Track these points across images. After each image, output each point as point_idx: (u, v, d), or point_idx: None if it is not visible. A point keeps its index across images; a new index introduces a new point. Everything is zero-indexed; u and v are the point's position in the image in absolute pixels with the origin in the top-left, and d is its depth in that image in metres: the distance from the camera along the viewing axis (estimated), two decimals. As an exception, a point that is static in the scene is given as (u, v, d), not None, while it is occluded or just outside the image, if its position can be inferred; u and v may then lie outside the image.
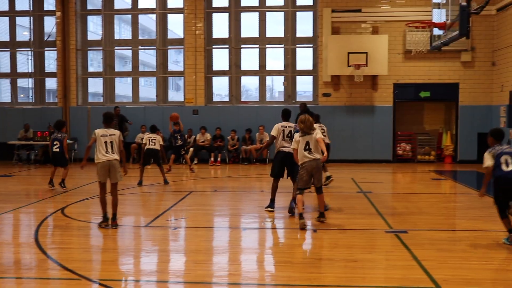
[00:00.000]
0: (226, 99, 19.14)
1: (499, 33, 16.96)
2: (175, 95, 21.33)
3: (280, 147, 9.13)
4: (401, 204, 10.18)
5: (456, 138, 17.80)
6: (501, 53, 16.81)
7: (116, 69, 19.62)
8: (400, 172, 15.78)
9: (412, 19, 16.09)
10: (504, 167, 6.67)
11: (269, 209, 9.29)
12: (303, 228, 7.79)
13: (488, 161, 6.81)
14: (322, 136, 8.16)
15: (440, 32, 12.89)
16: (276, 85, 20.29)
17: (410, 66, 17.72)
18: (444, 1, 12.20)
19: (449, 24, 12.01)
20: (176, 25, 19.33)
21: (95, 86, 19.88)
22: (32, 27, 19.47)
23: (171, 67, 20.22)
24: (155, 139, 12.75)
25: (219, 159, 17.28)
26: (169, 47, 19.20)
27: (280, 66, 18.91)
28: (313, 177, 8.12)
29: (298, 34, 18.78)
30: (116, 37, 19.51)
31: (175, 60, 23.47)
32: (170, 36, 19.26)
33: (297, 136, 8.18)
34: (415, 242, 7.07)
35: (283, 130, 9.16)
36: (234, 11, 18.63)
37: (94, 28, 22.52)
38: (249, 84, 20.46)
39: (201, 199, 10.94)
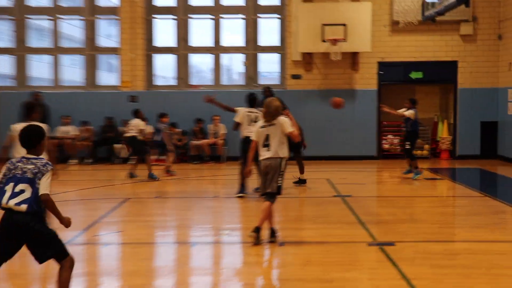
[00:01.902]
0: (173, 82, 18.98)
1: (506, -1, 17.33)
2: (108, 77, 20.99)
3: (247, 132, 10.16)
4: (388, 210, 10.27)
5: (455, 128, 18.14)
6: (509, 24, 17.18)
7: (31, 44, 19.18)
8: (386, 170, 15.95)
9: (400, -18, 16.29)
10: None
11: (240, 194, 10.60)
12: (256, 243, 7.67)
13: None
14: (290, 127, 7.91)
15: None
16: (235, 65, 20.25)
17: (398, 40, 17.94)
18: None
19: (445, -11, 12.20)
20: (107, -11, 19.11)
21: (4, 65, 19.39)
22: None
23: (102, 42, 19.88)
24: (132, 125, 14.16)
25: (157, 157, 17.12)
26: (99, 16, 18.87)
27: (239, 42, 18.84)
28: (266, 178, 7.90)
29: (261, 1, 18.75)
30: (31, 2, 19.06)
31: (107, 33, 23.07)
32: (100, 2, 18.94)
33: (257, 125, 8.13)
34: (404, 257, 7.13)
35: (248, 115, 10.39)
36: (181, -28, 18.48)
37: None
38: (201, 64, 20.36)
39: (140, 207, 10.85)
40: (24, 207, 4.82)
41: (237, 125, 11.11)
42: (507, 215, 10.01)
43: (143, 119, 14.67)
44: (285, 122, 7.91)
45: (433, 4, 13.44)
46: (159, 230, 9.08)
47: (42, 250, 4.91)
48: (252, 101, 11.11)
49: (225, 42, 18.87)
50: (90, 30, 18.80)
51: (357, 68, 18.03)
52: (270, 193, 7.83)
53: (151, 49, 18.69)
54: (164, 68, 19.39)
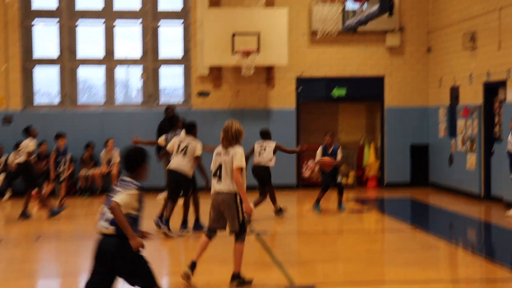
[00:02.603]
0: (56, 100, 18.56)
1: (436, 7, 18.00)
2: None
3: (170, 163, 11.07)
4: (308, 248, 10.35)
5: (382, 153, 18.61)
6: (439, 35, 17.85)
7: None
8: (307, 201, 16.09)
9: (319, -14, 16.62)
10: None
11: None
12: (186, 278, 7.90)
13: None
14: (242, 163, 7.84)
15: (356, 7, 13.38)
16: (131, 79, 20.06)
17: (319, 53, 18.28)
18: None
19: (366, -5, 12.52)
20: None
21: None
22: None
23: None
24: (22, 147, 13.84)
25: (44, 190, 16.61)
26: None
27: (137, 53, 18.71)
28: (223, 216, 8.00)
29: (162, 6, 18.69)
30: None
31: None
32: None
33: (215, 152, 8.17)
34: (326, 303, 7.16)
35: (179, 145, 11.08)
36: (66, -30, 18.17)
37: None
38: (91, 79, 20.02)
39: (15, 252, 10.50)
40: (110, 229, 5.59)
41: (163, 155, 12.01)
42: (440, 250, 10.31)
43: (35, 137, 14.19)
44: (237, 154, 7.83)
45: (354, 12, 13.74)
46: (38, 279, 8.79)
47: (129, 276, 5.62)
48: (190, 128, 11.37)
49: (119, 52, 18.66)
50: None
51: (273, 84, 18.22)
52: (234, 232, 7.94)
53: (29, 61, 18.20)
54: (46, 84, 18.93)
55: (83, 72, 18.96)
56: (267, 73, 18.10)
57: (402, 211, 15.17)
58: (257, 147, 12.94)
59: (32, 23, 18.26)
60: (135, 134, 17.46)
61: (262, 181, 12.78)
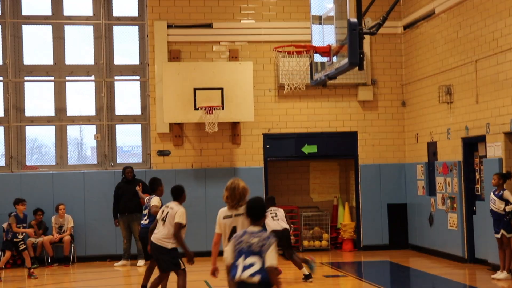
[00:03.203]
0: (1, 163, 18.36)
1: (409, 59, 18.39)
2: None
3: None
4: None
5: (358, 213, 18.63)
6: (413, 88, 18.17)
7: None
8: (279, 266, 16.05)
9: (285, 39, 16.82)
10: None
11: None
12: None
13: None
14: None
15: (324, 60, 13.59)
16: (86, 138, 19.94)
17: (287, 108, 18.43)
18: (328, 14, 12.92)
19: (335, 49, 12.67)
20: None
21: None
22: None
23: None
24: None
25: (3, 259, 16.32)
26: None
27: (90, 110, 18.69)
28: None
29: (118, 61, 18.77)
30: None
31: None
32: None
33: (220, 215, 8.13)
34: None
35: (162, 212, 10.74)
36: (11, 21, 18.14)
37: None
38: (42, 138, 19.86)
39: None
40: (257, 278, 6.34)
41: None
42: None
43: None
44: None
45: (322, 65, 13.90)
46: None
47: None
48: (177, 193, 10.92)
49: (71, 110, 18.60)
50: None
51: (239, 142, 18.28)
52: None
53: (-28, 120, 18.07)
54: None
55: (31, 132, 18.83)
56: (232, 130, 18.18)
57: (381, 275, 15.16)
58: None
59: (-23, 79, 18.20)
60: (88, 197, 17.42)
61: None
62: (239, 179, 8.25)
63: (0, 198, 17.07)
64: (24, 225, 15.34)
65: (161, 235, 10.61)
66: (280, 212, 13.47)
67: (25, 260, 15.48)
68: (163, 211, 10.73)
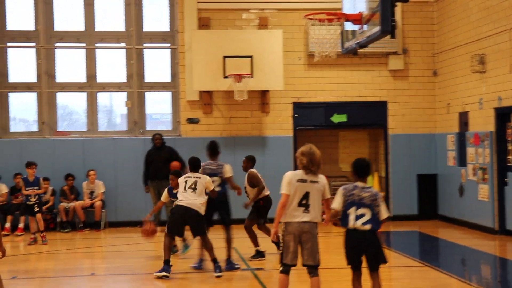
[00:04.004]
0: (34, 128, 18.54)
1: (441, 28, 18.17)
2: None
3: (179, 200, 11.01)
4: (301, 285, 10.26)
5: (387, 183, 18.64)
6: (445, 57, 17.99)
7: None
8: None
9: (315, 7, 16.66)
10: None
11: (163, 273, 10.80)
12: None
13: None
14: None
15: (355, 28, 13.46)
16: (115, 106, 20.06)
17: (317, 77, 18.37)
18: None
19: (366, 16, 12.58)
20: None
21: None
22: None
23: None
24: None
25: (21, 224, 16.54)
26: None
27: (121, 77, 18.73)
28: (301, 248, 8.04)
29: (147, 28, 18.78)
30: None
31: None
32: None
33: (292, 177, 8.08)
34: None
35: (185, 182, 11.08)
36: (42, -12, 18.26)
37: None
38: (72, 105, 20.03)
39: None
40: (368, 227, 7.77)
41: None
42: (453, 288, 10.28)
43: None
44: (327, 184, 8.19)
45: (353, 33, 13.78)
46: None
47: (375, 261, 7.92)
48: (195, 165, 11.54)
49: (101, 77, 18.70)
50: None
51: (268, 110, 18.27)
52: (315, 266, 8.07)
53: (4, 86, 18.20)
54: (23, 110, 19.00)
55: (62, 98, 18.98)
56: (262, 98, 18.16)
57: (409, 245, 15.13)
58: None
59: (7, 44, 18.30)
60: (118, 163, 17.53)
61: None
62: (311, 145, 8.21)
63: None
64: (36, 187, 15.23)
65: (198, 202, 10.93)
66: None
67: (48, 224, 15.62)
68: (186, 182, 11.11)
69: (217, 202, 11.78)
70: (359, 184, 7.94)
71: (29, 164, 15.23)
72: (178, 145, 16.95)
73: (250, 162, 12.78)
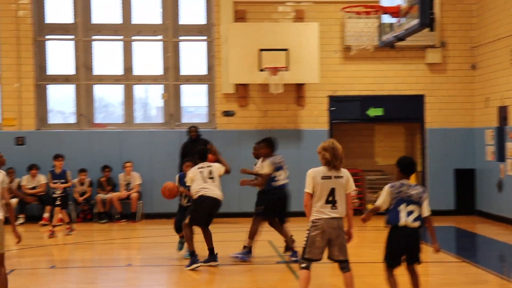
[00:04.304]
0: (72, 120, 18.72)
1: (481, 21, 17.97)
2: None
3: (201, 191, 11.04)
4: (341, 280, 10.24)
5: (424, 178, 18.50)
6: (484, 51, 17.78)
7: None
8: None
9: (352, 0, 16.57)
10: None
11: (195, 265, 10.82)
12: None
13: None
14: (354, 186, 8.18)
15: (393, 21, 13.37)
16: (151, 98, 20.16)
17: (353, 70, 18.29)
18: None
19: (404, 9, 12.50)
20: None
21: None
22: None
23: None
24: None
25: (60, 215, 16.73)
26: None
27: (157, 70, 18.83)
28: (331, 244, 8.01)
29: (184, 21, 18.83)
30: None
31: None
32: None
33: (315, 175, 8.07)
34: None
35: (201, 172, 11.13)
36: (80, -19, 18.39)
37: None
38: (109, 97, 20.18)
39: (30, 281, 10.55)
40: (417, 224, 7.90)
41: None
42: (489, 285, 10.14)
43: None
44: (351, 177, 8.13)
45: (391, 26, 13.70)
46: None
47: (416, 258, 8.08)
48: (203, 155, 11.56)
49: (138, 69, 18.79)
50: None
51: (303, 104, 18.23)
52: (346, 261, 8.07)
53: (43, 78, 18.37)
54: (61, 102, 19.18)
55: (99, 90, 19.13)
56: (297, 91, 18.12)
57: (446, 241, 14.93)
58: None
59: (46, 37, 18.48)
60: (155, 155, 17.63)
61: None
62: (333, 140, 8.24)
63: (70, 154, 17.39)
64: (62, 180, 15.28)
65: (220, 192, 11.23)
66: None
67: (69, 216, 15.65)
68: (201, 172, 11.19)
69: (282, 196, 11.85)
70: (406, 181, 8.10)
71: (57, 157, 15.32)
72: (213, 138, 16.99)
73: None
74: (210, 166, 11.29)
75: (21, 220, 16.70)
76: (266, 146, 11.87)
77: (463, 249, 14.11)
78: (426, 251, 13.24)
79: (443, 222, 16.89)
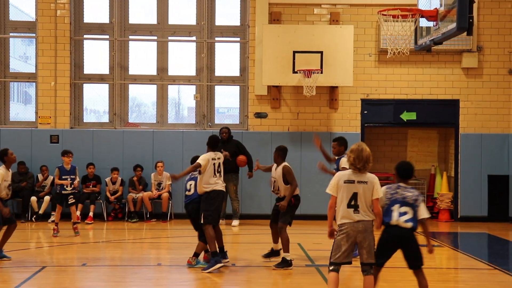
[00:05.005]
0: (105, 119, 18.87)
1: (519, 26, 17.82)
2: (23, 111, 20.70)
3: (213, 185, 11.10)
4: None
5: (456, 183, 18.34)
6: (522, 56, 17.66)
7: None
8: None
9: (388, 2, 16.52)
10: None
11: (219, 265, 10.80)
12: None
13: None
14: (380, 193, 8.11)
15: (430, 24, 13.29)
16: (184, 98, 20.23)
17: (387, 73, 18.21)
18: (435, -22, 12.66)
19: (442, 13, 12.43)
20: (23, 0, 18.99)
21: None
22: None
23: (16, 65, 19.68)
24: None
25: (91, 213, 16.87)
26: (12, 34, 18.73)
27: (191, 70, 18.90)
28: (360, 247, 8.09)
29: (219, 22, 18.88)
30: None
31: (23, 55, 22.89)
32: (13, 16, 18.85)
33: (340, 178, 8.12)
34: None
35: (214, 164, 11.17)
36: (118, -19, 18.54)
37: None
38: (142, 97, 20.30)
39: (61, 278, 10.61)
40: (409, 224, 8.03)
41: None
42: (523, 292, 10.08)
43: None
44: (378, 183, 8.09)
45: (428, 30, 13.62)
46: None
47: (416, 261, 8.19)
48: (214, 143, 11.63)
49: (172, 70, 18.88)
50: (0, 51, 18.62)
51: (336, 107, 18.18)
52: (371, 264, 8.11)
53: (78, 77, 18.55)
54: (96, 101, 19.30)
55: (133, 90, 19.26)
56: (330, 94, 18.09)
57: (478, 247, 14.88)
58: None
59: (83, 36, 18.64)
60: (186, 155, 17.68)
61: None
62: (362, 143, 8.20)
63: (103, 153, 17.59)
64: (72, 176, 14.77)
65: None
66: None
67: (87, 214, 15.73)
68: (214, 164, 11.25)
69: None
70: (402, 184, 8.18)
71: (65, 153, 14.75)
72: (245, 139, 17.06)
73: (281, 154, 11.83)
74: (219, 158, 11.41)
75: (52, 218, 16.84)
76: (339, 145, 12.06)
77: (496, 256, 13.97)
78: (456, 257, 13.29)
79: (476, 229, 16.81)
